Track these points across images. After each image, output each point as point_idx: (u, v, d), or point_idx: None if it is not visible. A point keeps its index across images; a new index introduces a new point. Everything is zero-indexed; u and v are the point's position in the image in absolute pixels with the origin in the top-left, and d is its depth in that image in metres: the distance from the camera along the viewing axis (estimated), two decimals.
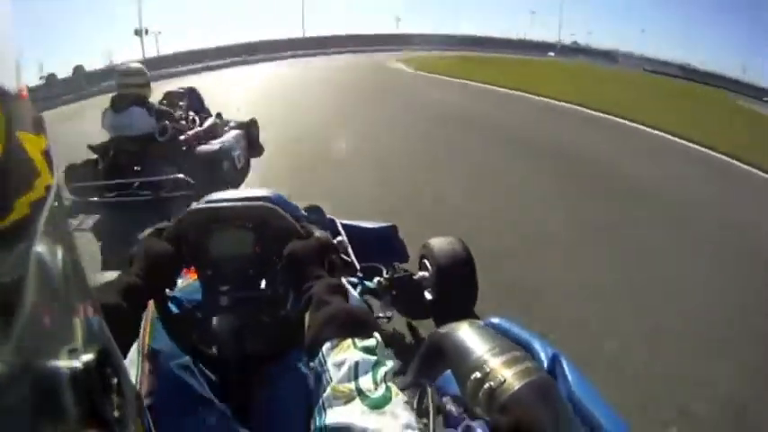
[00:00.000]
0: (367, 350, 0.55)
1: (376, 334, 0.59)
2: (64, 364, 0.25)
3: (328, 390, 0.52)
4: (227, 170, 3.90)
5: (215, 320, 0.94)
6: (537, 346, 0.90)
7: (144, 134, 3.68)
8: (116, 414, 0.29)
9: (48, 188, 0.24)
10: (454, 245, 1.82)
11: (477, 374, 0.79)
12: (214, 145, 4.02)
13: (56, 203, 0.25)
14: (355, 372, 0.52)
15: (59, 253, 0.26)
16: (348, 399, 0.50)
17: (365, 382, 0.51)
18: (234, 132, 4.47)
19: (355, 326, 0.60)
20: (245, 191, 1.18)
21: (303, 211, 1.37)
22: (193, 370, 0.88)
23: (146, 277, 0.77)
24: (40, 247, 0.23)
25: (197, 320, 0.96)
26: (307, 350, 0.62)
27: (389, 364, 0.56)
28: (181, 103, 4.49)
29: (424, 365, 0.95)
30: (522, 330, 0.96)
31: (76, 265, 0.28)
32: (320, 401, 0.52)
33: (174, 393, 0.79)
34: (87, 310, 0.29)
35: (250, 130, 4.90)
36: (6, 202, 0.21)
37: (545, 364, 0.84)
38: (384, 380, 0.52)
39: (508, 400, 0.72)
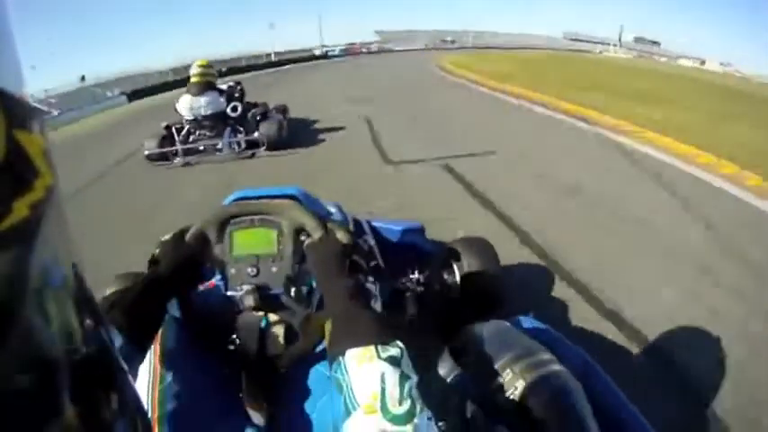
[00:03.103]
0: (391, 360, 0.54)
1: (399, 343, 0.58)
2: (62, 363, 0.25)
3: (351, 402, 0.52)
4: (284, 136, 5.25)
5: (237, 320, 0.94)
6: (563, 347, 0.87)
7: (217, 112, 4.95)
8: (114, 414, 0.29)
9: (48, 189, 0.24)
10: (480, 246, 1.79)
11: (502, 376, 0.78)
12: (273, 118, 5.31)
13: (56, 205, 0.25)
14: (381, 385, 0.51)
15: (60, 255, 0.26)
16: (371, 414, 0.50)
17: (389, 396, 0.50)
18: (276, 114, 5.78)
19: (377, 333, 0.58)
20: (269, 188, 1.17)
21: (328, 209, 1.35)
22: (212, 371, 0.89)
23: (169, 276, 0.78)
24: (39, 249, 0.23)
25: (219, 320, 0.96)
26: (328, 356, 0.61)
27: (413, 377, 0.55)
28: (236, 95, 5.69)
29: (449, 367, 0.94)
30: (549, 331, 0.93)
31: (77, 267, 0.28)
32: (343, 414, 0.52)
33: (190, 396, 0.79)
34: (88, 312, 0.29)
35: (285, 113, 6.23)
36: (5, 203, 0.21)
37: (571, 367, 0.81)
38: (409, 394, 0.51)
39: (532, 402, 0.70)
